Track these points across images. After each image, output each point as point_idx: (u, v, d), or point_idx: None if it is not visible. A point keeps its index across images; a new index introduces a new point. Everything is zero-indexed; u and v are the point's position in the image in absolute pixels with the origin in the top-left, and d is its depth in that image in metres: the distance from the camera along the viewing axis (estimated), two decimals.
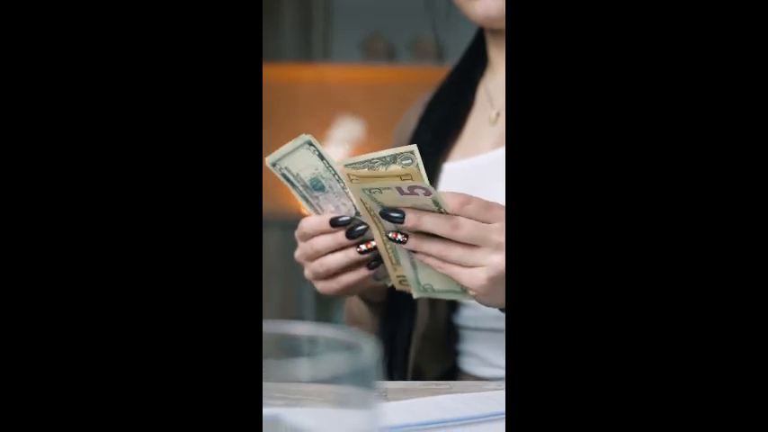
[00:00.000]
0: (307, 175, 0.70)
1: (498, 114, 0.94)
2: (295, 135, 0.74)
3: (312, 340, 0.36)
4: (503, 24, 0.89)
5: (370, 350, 0.34)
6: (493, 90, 0.96)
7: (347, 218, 0.72)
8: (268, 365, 0.33)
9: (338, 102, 2.68)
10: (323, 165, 0.69)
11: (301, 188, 0.71)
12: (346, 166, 0.65)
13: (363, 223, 0.72)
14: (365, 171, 0.64)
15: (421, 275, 0.73)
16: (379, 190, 0.65)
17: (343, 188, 0.70)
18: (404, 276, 0.75)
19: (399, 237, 0.68)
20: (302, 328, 0.37)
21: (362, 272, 0.75)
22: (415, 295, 0.76)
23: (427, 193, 0.64)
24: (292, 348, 0.37)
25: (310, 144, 0.68)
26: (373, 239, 0.72)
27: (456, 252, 0.67)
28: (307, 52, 2.75)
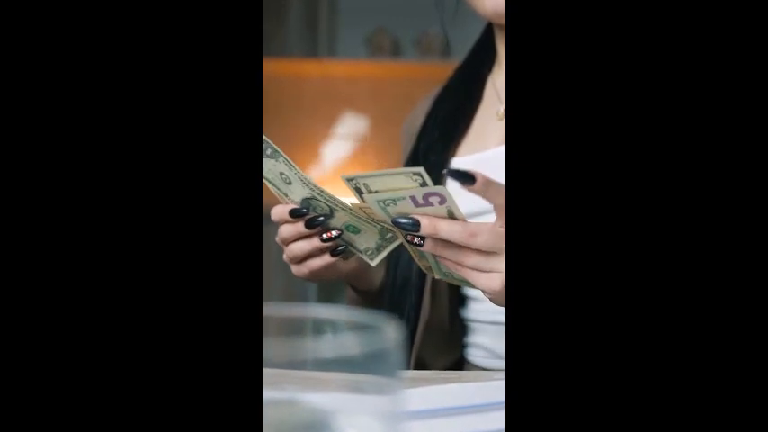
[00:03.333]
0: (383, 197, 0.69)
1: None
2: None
3: (330, 323, 0.37)
4: None
5: (391, 331, 0.35)
6: (501, 85, 0.96)
7: (304, 209, 0.76)
8: (286, 345, 0.33)
9: (343, 98, 2.68)
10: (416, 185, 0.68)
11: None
12: (351, 179, 0.66)
13: (321, 215, 0.75)
14: (371, 173, 0.65)
15: (442, 264, 0.73)
16: (394, 201, 0.64)
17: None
18: (429, 267, 0.77)
19: (416, 240, 0.68)
20: (322, 311, 0.37)
21: (326, 258, 0.79)
22: (436, 277, 0.76)
23: (442, 201, 0.64)
24: (314, 329, 0.37)
25: (418, 175, 0.64)
26: (334, 229, 0.76)
27: (472, 259, 0.66)
28: (312, 48, 2.75)
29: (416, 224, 0.65)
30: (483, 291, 0.68)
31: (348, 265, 0.84)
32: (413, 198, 0.64)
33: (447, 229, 0.65)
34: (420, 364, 0.90)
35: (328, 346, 0.33)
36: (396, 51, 2.72)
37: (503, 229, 0.66)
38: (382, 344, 0.34)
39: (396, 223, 0.66)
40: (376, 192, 0.64)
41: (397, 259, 0.93)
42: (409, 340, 0.91)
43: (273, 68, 2.44)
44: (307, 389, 0.36)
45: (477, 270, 0.67)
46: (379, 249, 0.79)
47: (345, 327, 0.36)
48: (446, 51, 2.56)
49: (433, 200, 0.64)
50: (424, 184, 0.64)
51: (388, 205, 0.65)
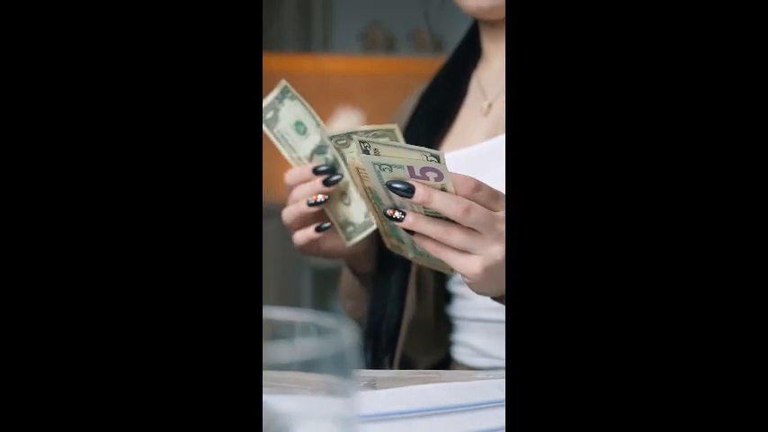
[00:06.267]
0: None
1: (491, 105, 0.93)
2: None
3: (290, 325, 0.36)
4: (495, 15, 0.89)
5: (348, 334, 0.34)
6: (486, 81, 0.96)
7: (326, 166, 0.76)
8: None
9: (338, 92, 2.68)
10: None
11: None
12: (363, 141, 0.64)
13: (339, 173, 0.75)
14: (387, 142, 0.63)
15: (417, 243, 0.72)
16: (390, 167, 0.62)
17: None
18: (397, 245, 0.76)
19: (397, 214, 0.66)
20: (280, 313, 0.37)
21: (310, 232, 0.79)
22: (410, 256, 0.76)
23: (439, 178, 0.62)
24: (271, 333, 0.37)
25: (435, 158, 0.63)
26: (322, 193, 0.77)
27: (456, 237, 0.64)
28: (306, 42, 2.75)
29: (411, 190, 0.63)
30: (462, 274, 0.66)
31: (349, 247, 0.82)
32: (410, 168, 0.62)
33: (442, 200, 0.63)
34: (406, 363, 0.89)
35: (286, 350, 0.33)
36: (390, 46, 2.71)
37: (498, 214, 0.65)
38: (339, 346, 0.34)
39: (390, 187, 0.63)
40: (379, 156, 0.63)
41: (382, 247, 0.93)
42: (393, 337, 0.90)
43: (268, 63, 2.43)
44: (274, 391, 0.36)
45: (458, 251, 0.65)
46: (359, 230, 0.79)
47: (302, 329, 0.36)
48: (439, 46, 2.55)
49: (430, 175, 0.62)
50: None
51: (384, 170, 0.63)
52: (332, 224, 0.79)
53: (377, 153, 0.63)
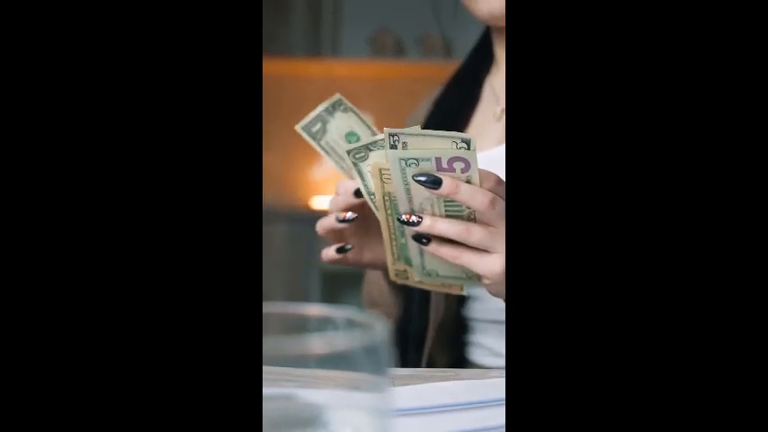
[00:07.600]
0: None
1: (503, 111, 0.95)
2: None
3: (324, 320, 0.37)
4: None
5: (380, 328, 0.35)
6: (498, 87, 0.97)
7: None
8: (279, 342, 0.34)
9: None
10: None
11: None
12: (393, 134, 0.63)
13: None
14: (416, 131, 0.62)
15: (427, 261, 0.72)
16: (417, 162, 0.62)
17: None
18: (403, 271, 0.76)
19: (413, 218, 0.66)
20: (314, 309, 0.38)
21: (331, 252, 0.78)
22: (415, 279, 0.75)
23: (465, 168, 0.62)
24: (304, 329, 0.38)
25: (465, 143, 0.62)
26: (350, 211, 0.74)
27: (477, 234, 0.65)
28: (315, 48, 2.76)
29: (438, 181, 0.63)
30: (483, 275, 0.67)
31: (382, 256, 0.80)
32: (437, 160, 0.62)
33: (468, 191, 0.63)
34: (431, 363, 0.91)
35: (320, 342, 0.34)
36: (399, 50, 2.73)
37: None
38: (372, 341, 0.35)
39: (417, 180, 0.63)
40: (406, 150, 0.62)
41: None
42: (421, 339, 0.91)
43: (277, 68, 2.45)
44: (303, 386, 0.37)
45: (477, 253, 0.66)
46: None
47: (336, 324, 0.37)
48: (448, 51, 2.56)
49: (457, 165, 0.62)
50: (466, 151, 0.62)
51: (410, 165, 0.63)
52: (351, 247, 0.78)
53: (405, 147, 0.62)
